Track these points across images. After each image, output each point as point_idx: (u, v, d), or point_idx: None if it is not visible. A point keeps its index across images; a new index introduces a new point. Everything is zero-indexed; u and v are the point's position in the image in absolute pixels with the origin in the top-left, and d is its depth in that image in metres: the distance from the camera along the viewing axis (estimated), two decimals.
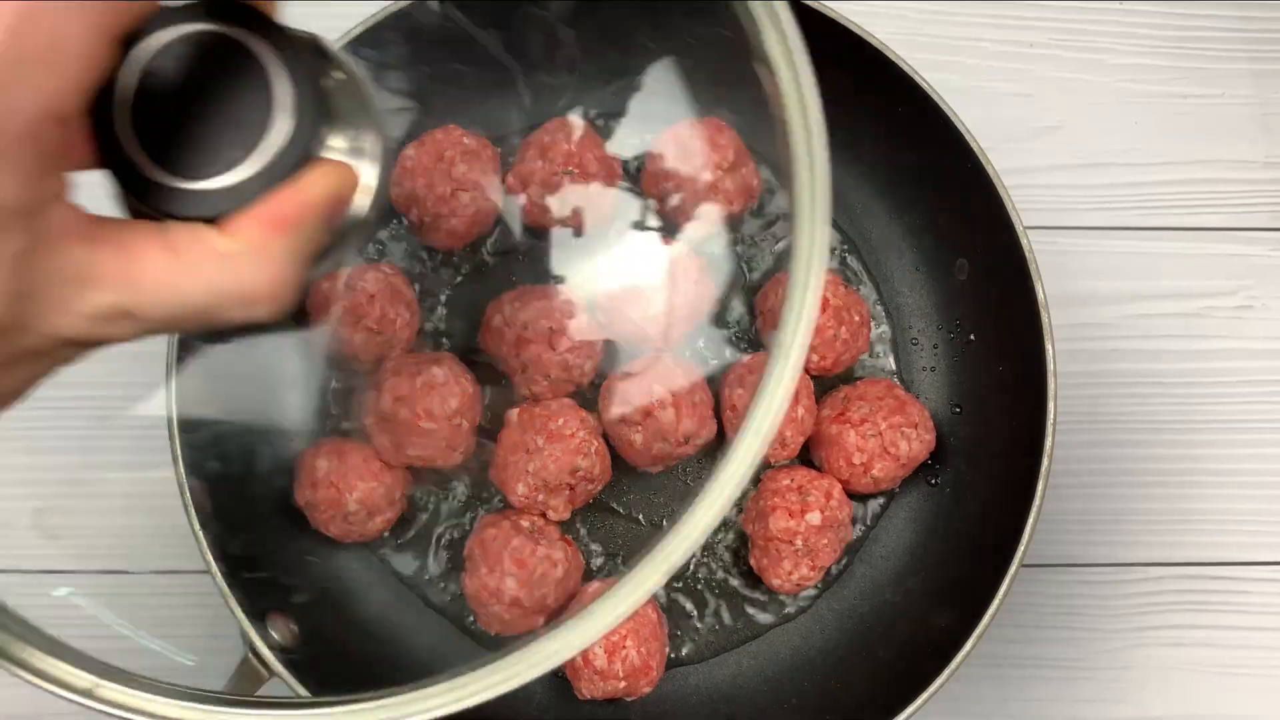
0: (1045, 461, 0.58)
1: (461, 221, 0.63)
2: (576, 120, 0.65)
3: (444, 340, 0.67)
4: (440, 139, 0.63)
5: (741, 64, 0.70)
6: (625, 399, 0.61)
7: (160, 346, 0.57)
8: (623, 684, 0.60)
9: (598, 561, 0.65)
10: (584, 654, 0.59)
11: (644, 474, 0.66)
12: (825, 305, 0.63)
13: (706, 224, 0.65)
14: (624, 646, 0.59)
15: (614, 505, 0.66)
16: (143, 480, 0.69)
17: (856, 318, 0.65)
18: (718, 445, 0.66)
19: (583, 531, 0.66)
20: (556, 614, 0.63)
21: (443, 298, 0.67)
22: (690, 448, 0.62)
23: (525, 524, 0.62)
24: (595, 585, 0.62)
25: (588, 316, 0.63)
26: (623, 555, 0.65)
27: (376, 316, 0.62)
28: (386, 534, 0.65)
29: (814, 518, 0.61)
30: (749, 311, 0.68)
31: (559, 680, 0.63)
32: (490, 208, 0.64)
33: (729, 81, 0.69)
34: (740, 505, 0.66)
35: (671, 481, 0.66)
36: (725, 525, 0.66)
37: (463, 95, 0.68)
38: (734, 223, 0.68)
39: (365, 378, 0.63)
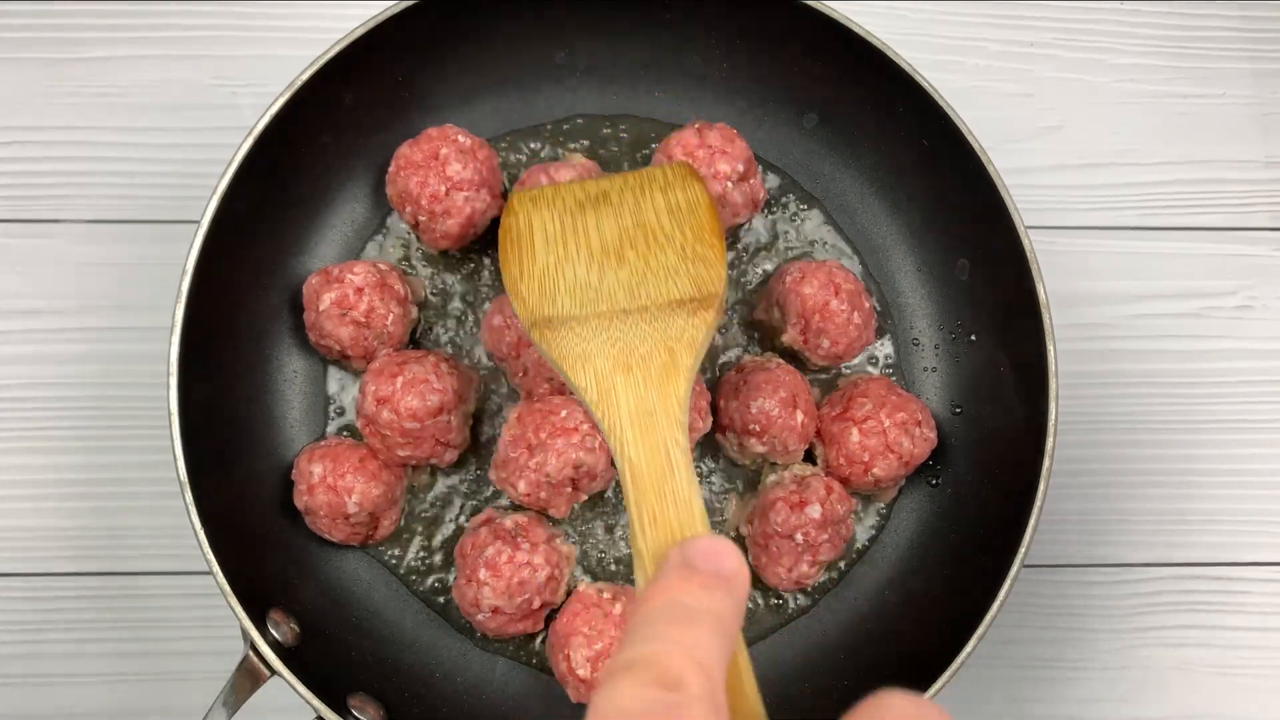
0: (1046, 462, 0.58)
1: (457, 222, 0.63)
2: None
3: (441, 339, 0.67)
4: (434, 136, 0.63)
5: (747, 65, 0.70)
6: None
7: (161, 346, 0.57)
8: None
9: (596, 560, 0.65)
10: (567, 663, 0.59)
11: None
12: (838, 290, 0.64)
13: None
14: (609, 656, 0.59)
15: (616, 503, 0.66)
16: (143, 480, 0.69)
17: (867, 304, 0.66)
18: (716, 443, 0.66)
19: (583, 530, 0.66)
20: (546, 614, 0.63)
21: (442, 296, 0.67)
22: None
23: (508, 524, 0.61)
24: (584, 586, 0.62)
25: None
26: (622, 555, 0.65)
27: (364, 310, 0.62)
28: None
29: (814, 511, 0.61)
30: (747, 315, 0.68)
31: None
32: (486, 208, 0.64)
33: (734, 81, 0.69)
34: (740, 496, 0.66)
35: None
36: (721, 527, 0.66)
37: (461, 93, 0.68)
38: (738, 230, 0.68)
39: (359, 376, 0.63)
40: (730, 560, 0.36)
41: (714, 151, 0.63)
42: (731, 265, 0.68)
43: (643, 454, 0.45)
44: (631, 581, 0.65)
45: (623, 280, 0.55)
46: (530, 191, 0.60)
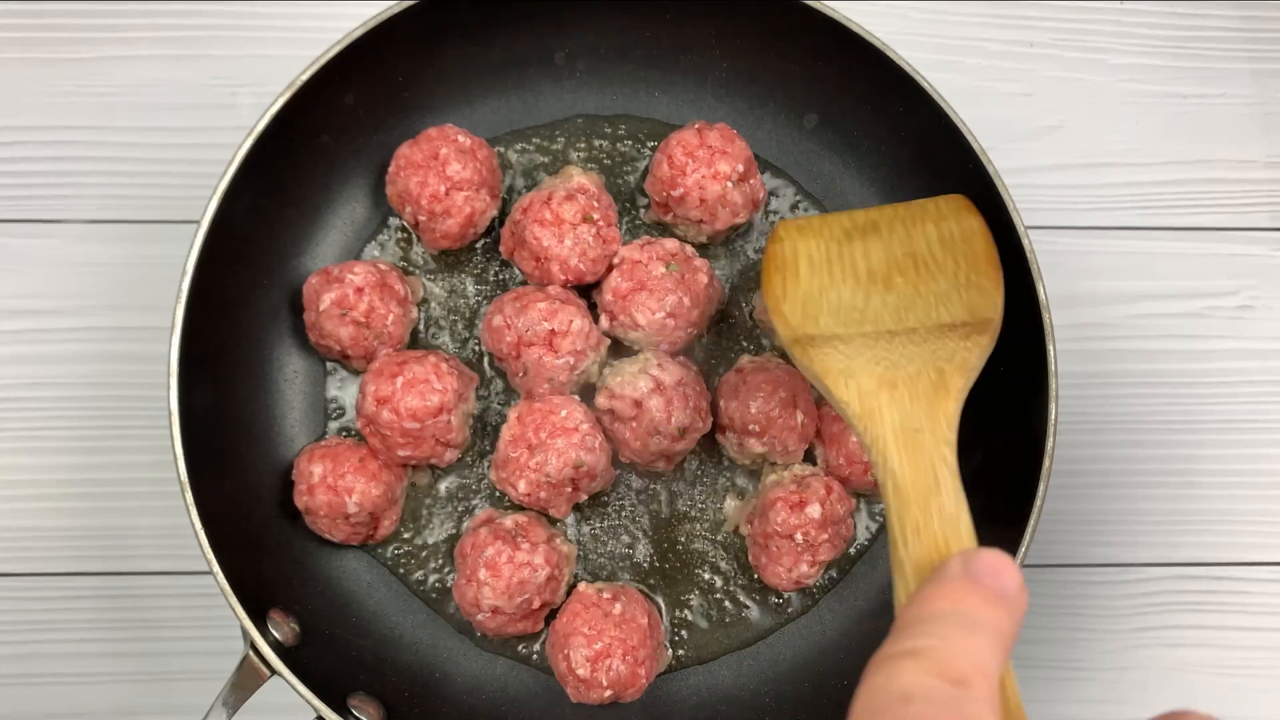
0: (1046, 462, 0.58)
1: (457, 222, 0.63)
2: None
3: (440, 339, 0.67)
4: (434, 137, 0.63)
5: (749, 63, 0.70)
6: (616, 389, 0.61)
7: (161, 346, 0.57)
8: (608, 693, 0.59)
9: (596, 559, 0.65)
10: (567, 663, 0.59)
11: (646, 472, 0.66)
12: None
13: (711, 230, 0.65)
14: (609, 656, 0.59)
15: (616, 503, 0.66)
16: (143, 480, 0.69)
17: None
18: (716, 443, 0.66)
19: (583, 530, 0.66)
20: (546, 614, 0.63)
21: (441, 296, 0.67)
22: (687, 442, 0.62)
23: (509, 524, 0.61)
24: (584, 586, 0.62)
25: (589, 319, 0.63)
26: (622, 554, 0.65)
27: (364, 310, 0.62)
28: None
29: (814, 511, 0.61)
30: (749, 315, 0.68)
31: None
32: (486, 207, 0.64)
33: (734, 81, 0.69)
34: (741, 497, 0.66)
35: (674, 480, 0.66)
36: (721, 527, 0.66)
37: (462, 93, 0.68)
38: (738, 230, 0.68)
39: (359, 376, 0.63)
40: (1014, 579, 0.35)
41: (714, 151, 0.63)
42: (732, 265, 0.68)
43: (907, 470, 0.44)
44: (631, 582, 0.65)
45: (890, 304, 0.55)
46: (797, 221, 0.61)
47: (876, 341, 0.53)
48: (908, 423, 0.47)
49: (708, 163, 0.63)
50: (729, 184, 0.63)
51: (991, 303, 0.55)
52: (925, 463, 0.45)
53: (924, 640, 0.32)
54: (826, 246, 0.59)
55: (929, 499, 0.43)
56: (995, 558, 0.35)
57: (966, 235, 0.58)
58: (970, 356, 0.51)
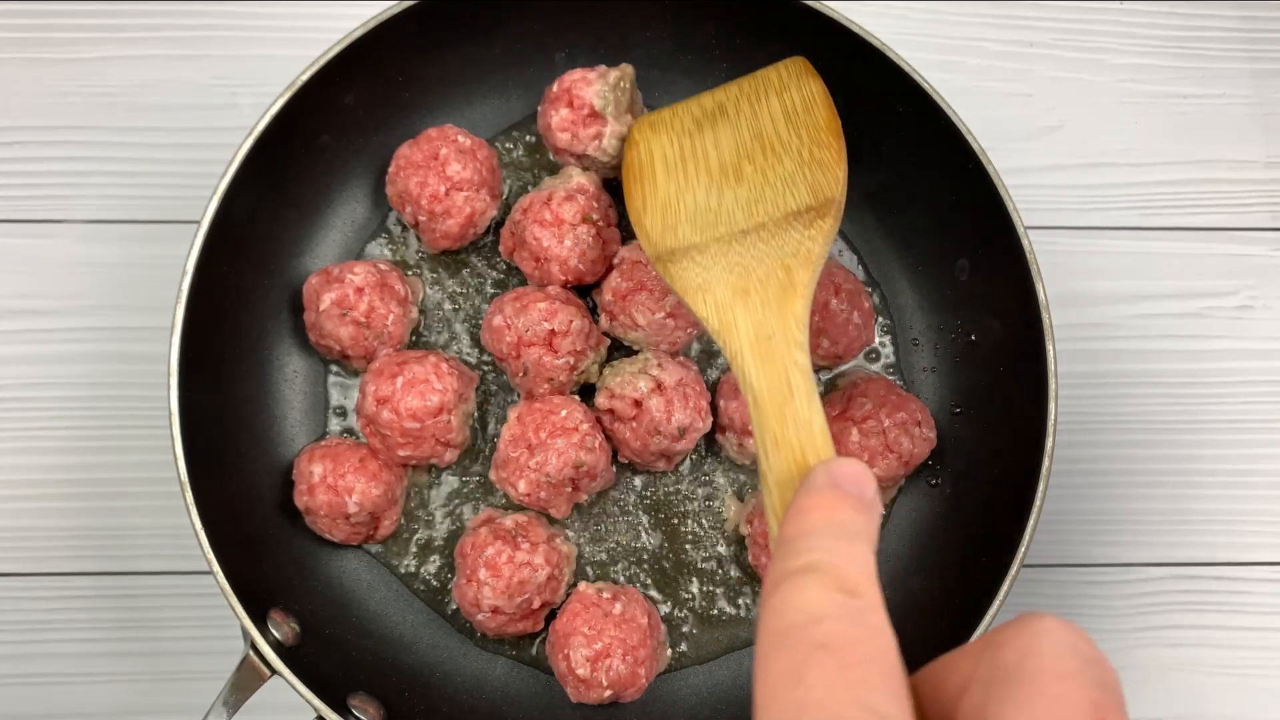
0: (1046, 462, 0.58)
1: (457, 222, 0.63)
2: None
3: (440, 339, 0.67)
4: (434, 137, 0.63)
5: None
6: (616, 389, 0.61)
7: (161, 346, 0.57)
8: (608, 692, 0.59)
9: (597, 559, 0.65)
10: (567, 663, 0.59)
11: (646, 472, 0.66)
12: (838, 289, 0.63)
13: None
14: (609, 656, 0.59)
15: (616, 503, 0.66)
16: (143, 480, 0.69)
17: (867, 304, 0.65)
18: (716, 444, 0.66)
19: (584, 529, 0.66)
20: (546, 614, 0.63)
21: (442, 296, 0.67)
22: (687, 442, 0.62)
23: (509, 524, 0.61)
24: (584, 585, 0.62)
25: (589, 319, 0.63)
26: (622, 554, 0.65)
27: (364, 310, 0.62)
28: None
29: None
30: None
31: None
32: (486, 207, 0.64)
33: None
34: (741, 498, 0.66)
35: (674, 480, 0.66)
36: (721, 527, 0.66)
37: (462, 93, 0.68)
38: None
39: (360, 376, 0.63)
40: (872, 485, 0.37)
41: (567, 85, 0.63)
42: None
43: (763, 380, 0.45)
44: (632, 581, 0.65)
45: (741, 199, 0.55)
46: (649, 117, 0.61)
47: (730, 246, 0.53)
48: (760, 330, 0.48)
49: (565, 100, 0.63)
50: (596, 101, 0.62)
51: (833, 177, 0.54)
52: (778, 369, 0.45)
53: (815, 555, 0.33)
54: (679, 142, 0.59)
55: (784, 407, 0.43)
56: (853, 466, 0.37)
57: (808, 104, 0.58)
58: (814, 246, 0.51)
